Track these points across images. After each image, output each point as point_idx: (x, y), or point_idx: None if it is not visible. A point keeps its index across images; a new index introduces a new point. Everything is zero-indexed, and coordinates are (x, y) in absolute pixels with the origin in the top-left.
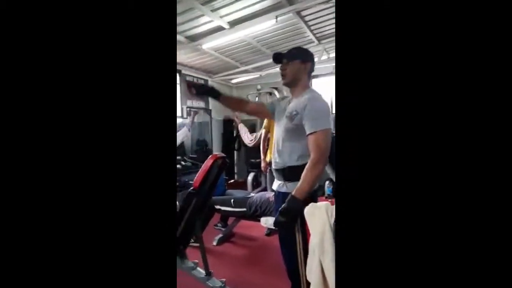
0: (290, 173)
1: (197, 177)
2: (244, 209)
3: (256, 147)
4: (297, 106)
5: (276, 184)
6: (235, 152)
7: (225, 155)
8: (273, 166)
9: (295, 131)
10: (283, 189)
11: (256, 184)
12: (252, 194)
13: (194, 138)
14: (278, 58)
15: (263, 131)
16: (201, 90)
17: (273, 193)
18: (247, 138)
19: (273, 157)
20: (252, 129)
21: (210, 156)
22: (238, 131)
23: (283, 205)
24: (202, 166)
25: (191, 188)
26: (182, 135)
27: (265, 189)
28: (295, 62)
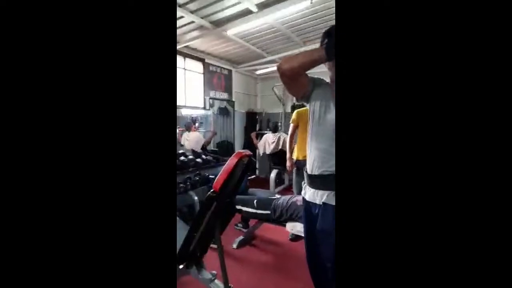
0: None
1: (218, 178)
2: (268, 212)
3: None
4: None
5: (321, 194)
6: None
7: (251, 153)
8: (317, 171)
9: None
10: (334, 201)
11: (279, 181)
12: (277, 196)
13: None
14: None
15: (291, 125)
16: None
17: (301, 196)
18: (270, 140)
19: (316, 159)
20: (275, 128)
21: (234, 154)
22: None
23: None
24: (225, 166)
25: (211, 190)
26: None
27: (288, 188)
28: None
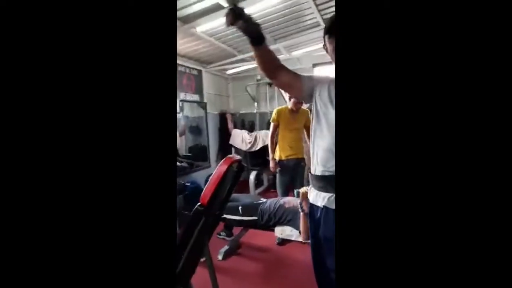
0: None
1: (206, 189)
2: (255, 218)
3: (256, 152)
4: None
5: (323, 196)
6: (233, 149)
7: (240, 158)
8: (319, 171)
9: None
10: (334, 205)
11: (258, 183)
12: (262, 199)
13: (187, 134)
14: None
15: (271, 124)
16: (243, 22)
17: (288, 198)
18: (246, 139)
19: (318, 158)
20: (251, 127)
21: (223, 160)
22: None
23: None
24: (213, 175)
25: (198, 204)
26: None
27: (268, 190)
28: None
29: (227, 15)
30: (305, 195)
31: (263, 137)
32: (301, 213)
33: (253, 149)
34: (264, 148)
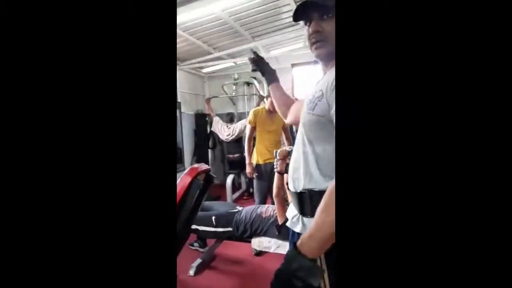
0: (311, 202)
1: None
2: (230, 229)
3: (235, 142)
4: (322, 85)
5: (291, 214)
6: (210, 151)
7: (208, 168)
8: (289, 185)
9: (320, 129)
10: (298, 228)
11: (235, 186)
12: (238, 208)
13: None
14: (307, 11)
15: (248, 126)
16: (259, 65)
17: (266, 206)
18: (224, 132)
19: (289, 170)
20: (230, 119)
21: (187, 171)
22: (211, 126)
23: (279, 267)
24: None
25: None
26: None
27: (245, 194)
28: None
29: (252, 61)
30: (282, 154)
31: (240, 126)
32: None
33: (231, 139)
34: (242, 138)
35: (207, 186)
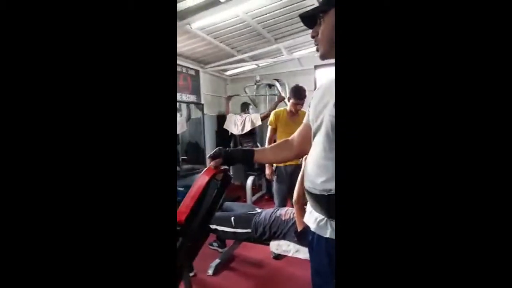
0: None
1: (183, 205)
2: (249, 230)
3: (247, 134)
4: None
5: (315, 217)
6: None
7: (226, 168)
8: (307, 187)
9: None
10: (327, 232)
11: (255, 188)
12: (257, 209)
13: (184, 136)
14: (311, 17)
15: (268, 128)
16: (230, 159)
17: (285, 209)
18: (238, 122)
19: (307, 173)
20: (244, 110)
21: (204, 171)
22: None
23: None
24: (192, 188)
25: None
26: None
27: (266, 196)
28: (330, 13)
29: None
30: None
31: (252, 118)
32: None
33: (242, 132)
34: (251, 131)
35: (225, 186)
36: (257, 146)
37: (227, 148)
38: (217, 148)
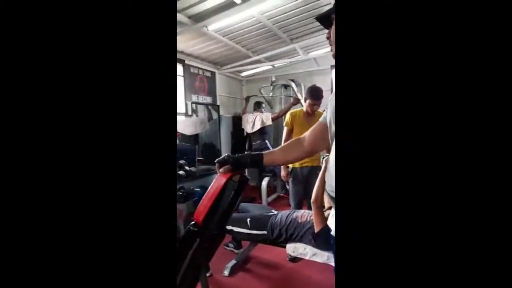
0: None
1: (201, 205)
2: (264, 232)
3: (258, 132)
4: None
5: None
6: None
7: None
8: (329, 191)
9: None
10: None
11: (270, 189)
12: (273, 211)
13: (200, 137)
14: (327, 17)
15: (284, 129)
16: (238, 165)
17: (302, 211)
18: (249, 119)
19: (328, 176)
20: (257, 107)
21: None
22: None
23: None
24: (209, 189)
25: (191, 223)
26: (197, 124)
27: (281, 198)
28: None
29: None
30: None
31: (263, 117)
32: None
33: (252, 130)
34: (261, 129)
35: (241, 187)
36: (266, 145)
37: (236, 154)
38: (225, 154)
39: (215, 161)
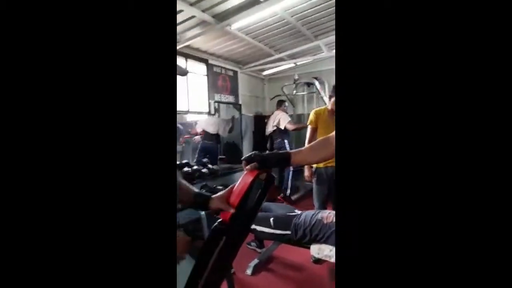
0: None
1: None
2: (288, 232)
3: (278, 131)
4: None
5: None
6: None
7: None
8: None
9: None
10: None
11: (294, 189)
12: (297, 211)
13: (222, 136)
14: None
15: (308, 128)
16: (265, 163)
17: (327, 211)
18: (270, 120)
19: None
20: (279, 105)
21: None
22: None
23: None
24: (236, 187)
25: (218, 221)
26: (221, 125)
27: (304, 197)
28: None
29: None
30: None
31: (281, 118)
32: None
33: (270, 129)
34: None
35: (268, 186)
36: (284, 145)
37: (263, 152)
38: (252, 152)
39: (242, 158)
